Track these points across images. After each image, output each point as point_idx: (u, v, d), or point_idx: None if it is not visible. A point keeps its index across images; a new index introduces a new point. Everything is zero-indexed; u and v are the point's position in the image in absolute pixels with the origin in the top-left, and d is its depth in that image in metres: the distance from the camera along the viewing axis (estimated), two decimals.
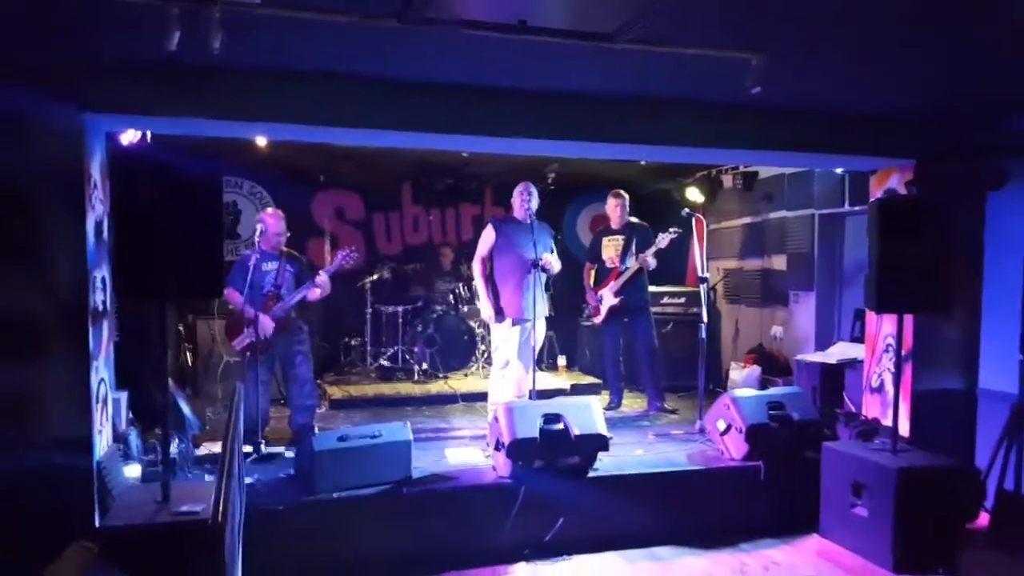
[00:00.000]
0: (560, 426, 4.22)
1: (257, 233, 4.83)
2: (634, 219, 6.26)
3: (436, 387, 6.92)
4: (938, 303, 4.17)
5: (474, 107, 4.11)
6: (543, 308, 5.32)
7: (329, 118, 3.88)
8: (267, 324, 4.77)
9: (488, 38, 3.15)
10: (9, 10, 2.81)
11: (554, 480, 4.17)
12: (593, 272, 6.35)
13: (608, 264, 6.21)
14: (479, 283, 5.37)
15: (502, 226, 5.34)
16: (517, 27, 3.08)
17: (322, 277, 4.87)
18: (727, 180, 7.51)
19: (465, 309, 7.49)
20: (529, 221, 5.18)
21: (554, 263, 5.26)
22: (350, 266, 5.11)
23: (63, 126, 3.41)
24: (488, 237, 5.33)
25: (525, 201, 5.26)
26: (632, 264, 6.04)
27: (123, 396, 4.19)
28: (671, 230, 5.94)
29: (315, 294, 4.92)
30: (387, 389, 6.82)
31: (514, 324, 5.24)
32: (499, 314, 5.27)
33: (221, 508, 2.02)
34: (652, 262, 6.00)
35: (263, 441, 4.71)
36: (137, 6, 2.51)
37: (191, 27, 2.60)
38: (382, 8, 2.83)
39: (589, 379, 7.38)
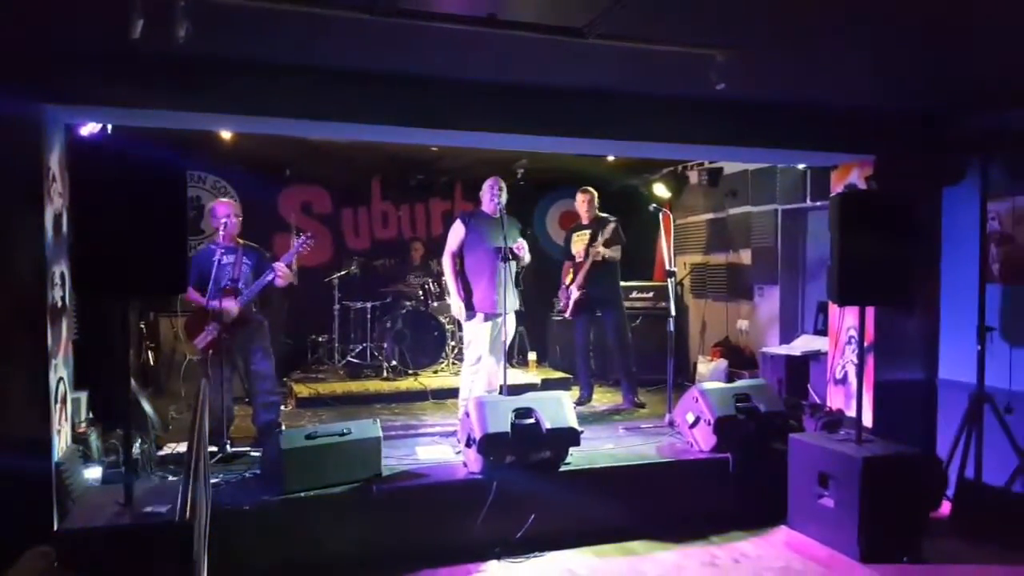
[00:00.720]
0: (532, 420, 4.21)
1: (221, 225, 4.73)
2: (603, 214, 6.28)
3: (405, 384, 6.87)
4: (898, 295, 4.25)
5: (444, 100, 4.09)
6: (514, 302, 5.31)
7: (296, 111, 3.83)
8: (231, 309, 4.65)
9: (458, 31, 3.13)
10: None
11: (525, 475, 4.16)
12: (571, 270, 6.35)
13: (577, 259, 6.24)
14: (449, 279, 5.33)
15: (471, 220, 5.31)
16: (486, 20, 3.07)
17: (280, 266, 4.78)
18: (693, 176, 7.61)
19: (435, 305, 7.45)
20: (499, 215, 5.17)
21: (526, 252, 5.25)
22: (308, 251, 5.01)
23: (21, 118, 3.30)
24: (458, 232, 5.30)
25: (495, 196, 5.24)
26: (591, 256, 6.07)
27: (83, 396, 4.07)
28: (611, 218, 6.06)
29: (279, 281, 4.82)
30: (355, 387, 6.75)
31: (486, 319, 5.21)
32: (470, 309, 5.24)
33: (189, 507, 1.97)
34: (606, 252, 6.02)
35: (228, 440, 4.62)
36: None
37: (155, 16, 2.53)
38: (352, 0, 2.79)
39: (559, 374, 7.40)
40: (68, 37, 3.24)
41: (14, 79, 3.27)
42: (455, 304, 5.32)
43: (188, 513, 2.02)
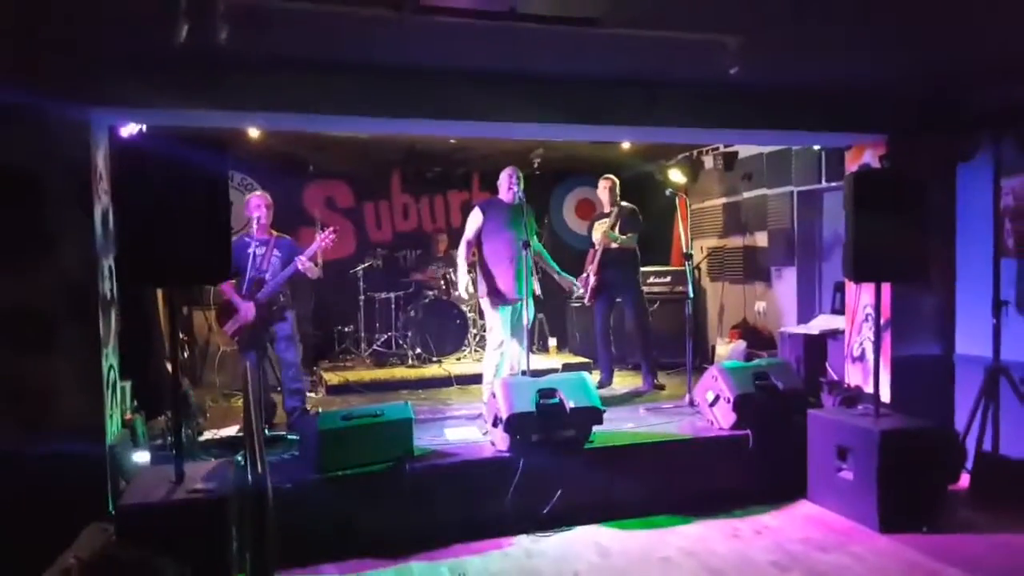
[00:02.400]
0: (556, 400, 4.34)
1: (256, 217, 4.93)
2: (624, 203, 6.38)
3: (430, 371, 7.04)
4: (913, 271, 4.32)
5: (467, 92, 4.22)
6: (534, 287, 5.44)
7: (330, 106, 3.98)
8: (247, 311, 4.86)
9: (479, 25, 3.26)
10: (20, 7, 2.88)
11: (551, 453, 4.29)
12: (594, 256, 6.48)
13: (596, 246, 6.36)
14: (461, 263, 5.49)
15: (489, 209, 5.45)
16: (508, 14, 3.18)
17: (302, 259, 4.95)
18: (708, 161, 7.68)
19: (456, 294, 7.60)
20: (516, 203, 5.30)
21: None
22: (330, 246, 5.18)
23: (71, 120, 3.50)
24: (476, 219, 5.44)
25: (513, 185, 5.37)
26: (607, 242, 6.18)
27: (127, 384, 4.27)
28: (628, 205, 6.20)
29: (310, 273, 5.00)
30: (382, 374, 6.93)
31: (507, 305, 5.35)
32: (493, 296, 5.38)
33: (262, 471, 2.12)
34: (617, 237, 6.10)
35: (266, 426, 4.81)
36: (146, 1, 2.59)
37: (197, 20, 2.68)
38: None
39: (579, 359, 7.52)
40: (114, 42, 3.40)
41: (65, 84, 3.45)
42: (461, 284, 5.47)
43: (261, 469, 2.17)
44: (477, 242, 5.46)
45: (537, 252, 5.65)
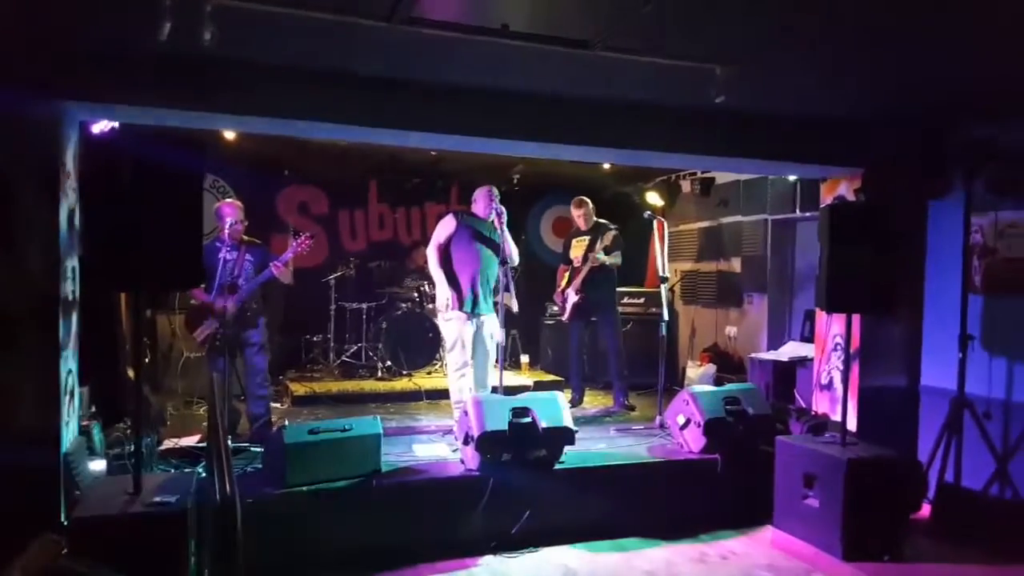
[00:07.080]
0: (528, 420, 4.30)
1: (227, 225, 4.82)
2: (602, 220, 6.41)
3: (400, 384, 6.95)
4: (884, 304, 4.35)
5: (447, 105, 4.20)
6: (511, 304, 5.35)
7: (309, 113, 3.93)
8: (228, 307, 4.76)
9: (468, 40, 3.24)
10: None
11: (521, 473, 4.25)
12: (567, 274, 6.48)
13: (575, 263, 6.37)
14: (434, 270, 5.26)
15: (463, 218, 5.33)
16: (500, 31, 3.17)
17: (278, 265, 4.87)
18: (685, 185, 7.76)
19: (430, 307, 7.53)
20: (490, 220, 5.22)
21: (513, 252, 5.23)
22: (305, 252, 5.09)
23: (40, 114, 3.38)
24: (448, 226, 5.28)
25: (491, 202, 5.27)
26: (590, 261, 6.19)
27: (85, 390, 4.12)
28: (611, 226, 6.19)
29: (284, 278, 4.92)
30: (351, 386, 6.82)
31: (468, 319, 5.20)
32: (451, 307, 5.17)
33: (230, 487, 2.04)
34: (605, 259, 6.13)
35: (228, 436, 4.68)
36: None
37: (182, 19, 2.61)
38: (370, 9, 2.89)
39: (551, 377, 7.50)
40: (91, 36, 3.31)
41: (36, 76, 3.34)
42: (441, 296, 5.23)
43: (229, 490, 2.09)
44: (445, 249, 5.30)
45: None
